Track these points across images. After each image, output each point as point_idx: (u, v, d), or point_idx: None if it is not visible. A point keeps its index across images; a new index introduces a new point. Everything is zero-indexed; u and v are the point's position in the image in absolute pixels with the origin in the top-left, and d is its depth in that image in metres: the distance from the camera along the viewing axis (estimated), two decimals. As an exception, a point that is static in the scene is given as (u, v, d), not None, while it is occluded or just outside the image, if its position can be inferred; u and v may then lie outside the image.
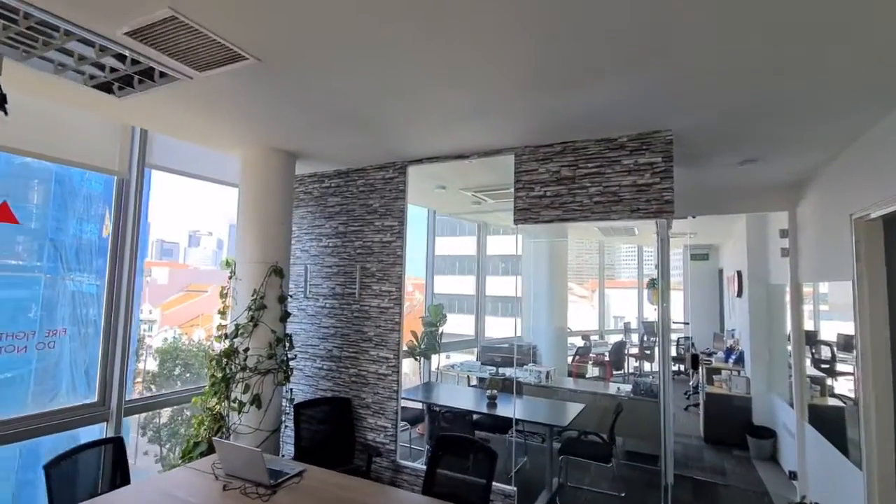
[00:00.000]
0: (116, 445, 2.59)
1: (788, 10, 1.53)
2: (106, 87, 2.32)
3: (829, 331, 3.60)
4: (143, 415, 3.87)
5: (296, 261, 3.96)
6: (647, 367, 8.74)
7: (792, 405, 4.16)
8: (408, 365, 5.98)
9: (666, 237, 3.08)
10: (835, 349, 3.39)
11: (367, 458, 3.29)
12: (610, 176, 2.80)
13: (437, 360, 5.99)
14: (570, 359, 7.48)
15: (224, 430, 3.12)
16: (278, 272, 3.25)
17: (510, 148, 3.13)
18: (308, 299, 3.87)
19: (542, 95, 2.28)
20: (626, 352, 8.51)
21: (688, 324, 8.07)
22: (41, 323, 3.25)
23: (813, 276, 3.66)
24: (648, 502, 3.87)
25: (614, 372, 8.16)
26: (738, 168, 3.43)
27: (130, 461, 2.71)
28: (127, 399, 3.05)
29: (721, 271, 9.02)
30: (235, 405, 3.06)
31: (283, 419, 3.38)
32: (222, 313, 3.23)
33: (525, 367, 5.64)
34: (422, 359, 5.77)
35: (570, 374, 6.38)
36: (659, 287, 3.27)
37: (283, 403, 3.40)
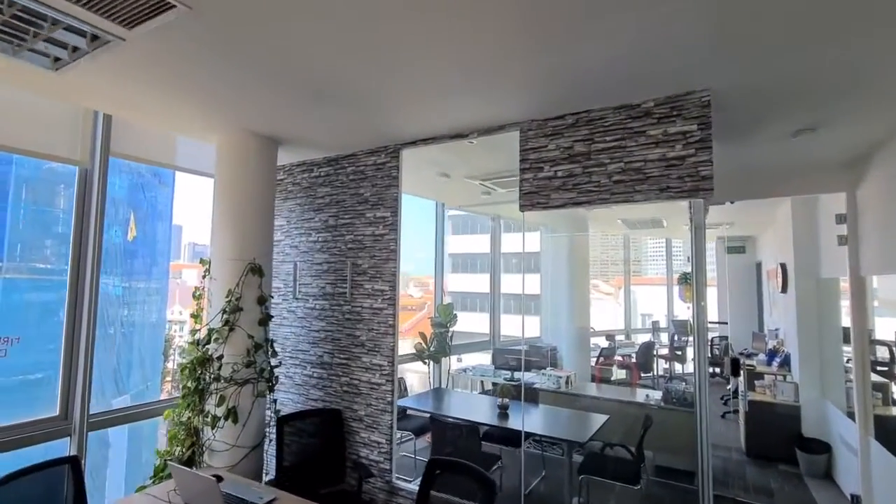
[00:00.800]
0: (72, 466, 2.29)
1: None
2: (41, 62, 2.01)
3: (886, 329, 3.07)
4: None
5: (285, 258, 3.63)
6: (678, 368, 8.13)
7: (850, 415, 3.58)
8: (417, 369, 5.62)
9: (702, 223, 2.59)
10: (895, 350, 2.85)
11: (358, 479, 2.92)
12: (633, 150, 2.34)
13: (448, 364, 5.59)
14: (593, 361, 6.97)
15: (198, 446, 2.81)
16: (256, 270, 2.91)
17: (514, 123, 2.70)
18: (298, 300, 3.53)
19: (540, 54, 1.85)
20: (654, 353, 7.91)
21: (725, 323, 7.43)
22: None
23: (880, 268, 3.10)
24: (684, 529, 3.38)
25: (642, 374, 7.61)
26: (788, 142, 2.90)
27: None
28: (94, 412, 2.77)
29: (759, 265, 8.30)
30: (209, 420, 2.74)
31: (268, 433, 3.05)
32: (195, 317, 2.91)
33: (543, 371, 5.18)
34: (431, 362, 5.39)
35: (593, 379, 5.87)
36: (693, 282, 2.78)
37: (268, 416, 3.07)
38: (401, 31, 1.73)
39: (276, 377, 3.10)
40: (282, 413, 3.11)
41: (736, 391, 5.71)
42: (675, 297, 9.68)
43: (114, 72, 2.12)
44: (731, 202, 4.01)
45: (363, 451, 3.11)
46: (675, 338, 8.63)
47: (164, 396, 3.23)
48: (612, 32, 1.71)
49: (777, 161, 3.37)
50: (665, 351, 8.49)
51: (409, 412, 4.26)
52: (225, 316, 2.81)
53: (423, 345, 5.34)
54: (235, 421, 2.78)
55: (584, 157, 2.47)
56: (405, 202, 3.19)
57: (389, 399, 3.02)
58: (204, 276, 2.94)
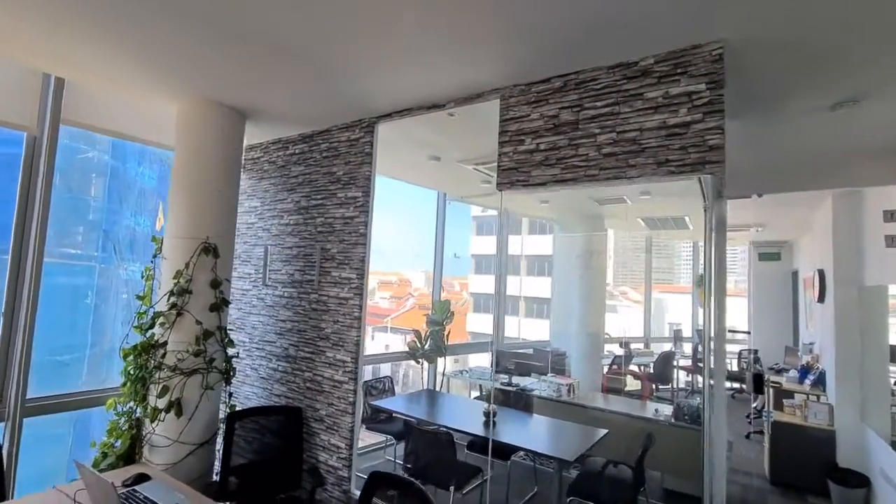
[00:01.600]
0: (-8, 455, 2.08)
1: None
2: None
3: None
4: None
5: (257, 242, 3.38)
6: (700, 381, 7.53)
7: (895, 445, 3.06)
8: (410, 368, 5.30)
9: (716, 209, 2.17)
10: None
11: (311, 488, 2.63)
12: (627, 116, 1.95)
13: (444, 364, 5.25)
14: (606, 369, 6.48)
15: (139, 440, 2.57)
16: (210, 250, 2.66)
17: (495, 90, 2.35)
18: (267, 287, 3.27)
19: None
20: (674, 364, 7.33)
21: (748, 333, 6.80)
22: (95, 309, 3.63)
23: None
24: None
25: (660, 387, 7.06)
26: (825, 118, 2.44)
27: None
28: (30, 397, 2.57)
29: (796, 273, 7.60)
30: (149, 412, 2.50)
31: (221, 430, 2.79)
32: (142, 298, 2.68)
33: (543, 377, 4.78)
34: (424, 362, 5.06)
35: (602, 389, 5.42)
36: (706, 282, 2.36)
37: (225, 411, 2.82)
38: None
39: (233, 369, 2.84)
40: (237, 408, 2.85)
41: (762, 410, 5.14)
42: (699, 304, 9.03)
43: (41, 16, 1.90)
44: (759, 195, 3.52)
45: (322, 455, 2.81)
46: (699, 348, 8.03)
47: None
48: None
49: (812, 144, 2.88)
50: (687, 362, 7.90)
51: (395, 415, 3.95)
52: (172, 299, 2.56)
53: (417, 343, 5.02)
54: (179, 414, 2.53)
55: (570, 126, 2.09)
56: (410, 193, 2.89)
57: (352, 399, 2.72)
58: (154, 256, 2.71)
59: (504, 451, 3.46)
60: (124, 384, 2.56)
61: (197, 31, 1.92)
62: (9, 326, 2.54)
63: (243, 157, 3.58)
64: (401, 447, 4.02)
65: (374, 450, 4.30)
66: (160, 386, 2.51)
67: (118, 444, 2.56)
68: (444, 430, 3.08)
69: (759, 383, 3.59)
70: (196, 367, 2.59)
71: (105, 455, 2.51)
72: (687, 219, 5.90)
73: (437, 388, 5.15)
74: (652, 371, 6.95)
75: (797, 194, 4.45)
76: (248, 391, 3.27)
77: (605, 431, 3.33)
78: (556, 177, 2.11)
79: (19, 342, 2.52)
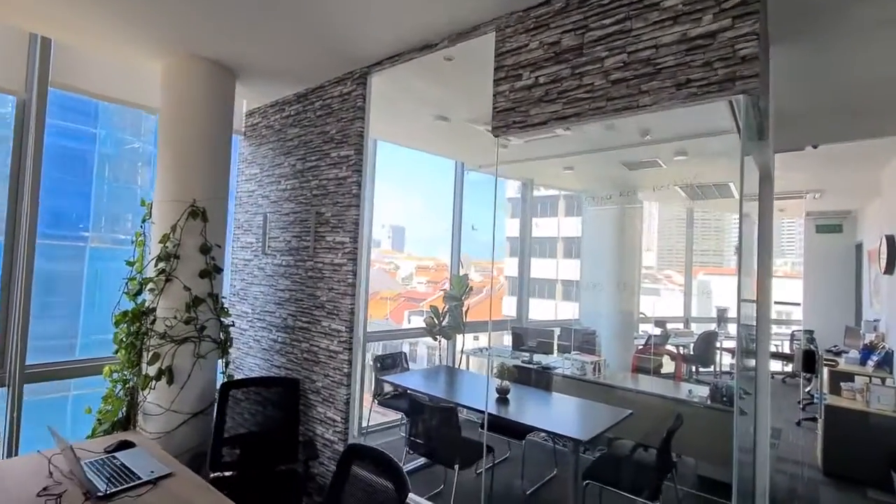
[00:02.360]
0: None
1: None
2: None
3: None
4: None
5: (257, 210, 3.27)
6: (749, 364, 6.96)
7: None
8: (435, 349, 5.14)
9: (757, 153, 1.81)
10: None
11: (304, 461, 2.51)
12: (640, 33, 1.63)
13: (462, 342, 5.05)
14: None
15: (134, 408, 2.53)
16: (198, 214, 2.54)
17: (489, 22, 2.06)
18: (267, 256, 3.15)
19: None
20: (717, 345, 6.80)
21: (798, 304, 6.19)
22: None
23: None
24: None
25: (701, 369, 6.57)
26: (881, 36, 1.99)
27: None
28: (29, 363, 2.57)
29: (860, 247, 6.84)
30: (140, 380, 2.44)
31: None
32: (132, 264, 2.61)
33: (566, 355, 4.48)
34: (442, 339, 4.87)
35: (632, 369, 5.05)
36: (740, 244, 2.03)
37: (222, 381, 2.74)
38: None
39: (230, 339, 2.75)
40: (235, 378, 2.77)
41: (815, 395, 4.63)
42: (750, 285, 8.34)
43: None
44: (815, 146, 3.05)
45: (319, 428, 2.68)
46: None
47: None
48: None
49: (886, 73, 2.40)
50: (732, 344, 7.32)
51: (407, 391, 3.80)
52: (160, 264, 2.47)
53: (434, 319, 4.84)
54: (170, 382, 2.46)
55: (574, 53, 1.79)
56: (445, 174, 2.68)
57: (346, 370, 2.56)
58: (143, 221, 2.63)
59: (519, 431, 3.24)
60: (116, 351, 2.51)
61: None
62: (6, 296, 2.53)
63: (243, 125, 3.47)
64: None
65: (388, 427, 4.18)
66: (151, 353, 2.44)
67: (116, 410, 2.52)
68: (448, 405, 2.88)
69: (810, 362, 3.14)
70: (187, 335, 2.51)
71: (101, 422, 2.48)
72: (732, 185, 5.35)
73: (457, 366, 4.96)
74: (692, 352, 6.47)
75: (862, 149, 3.89)
76: (251, 362, 3.20)
77: (629, 412, 3.03)
78: (556, 113, 1.81)
79: (17, 311, 2.51)
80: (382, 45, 2.37)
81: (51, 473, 1.79)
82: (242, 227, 3.37)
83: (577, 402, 3.39)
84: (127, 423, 2.52)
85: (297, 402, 2.73)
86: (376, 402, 3.92)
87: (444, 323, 4.89)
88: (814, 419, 4.65)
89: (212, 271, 2.59)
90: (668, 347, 6.33)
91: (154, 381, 2.43)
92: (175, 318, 2.44)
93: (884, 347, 4.18)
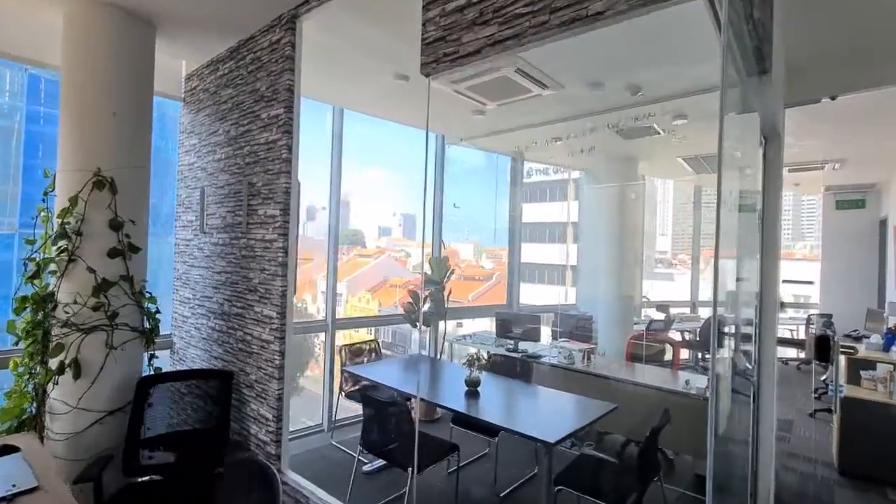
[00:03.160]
0: None
1: None
2: None
3: None
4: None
5: (197, 184, 2.93)
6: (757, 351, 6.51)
7: None
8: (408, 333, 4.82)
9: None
10: None
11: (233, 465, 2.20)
12: (590, -82, 1.22)
13: (444, 328, 4.71)
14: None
15: (42, 405, 2.24)
16: (105, 184, 2.21)
17: (420, -68, 1.66)
18: (205, 234, 2.83)
19: None
20: (727, 330, 6.35)
21: (811, 283, 5.73)
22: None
23: None
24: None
25: (706, 356, 6.15)
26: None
27: None
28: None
29: (884, 222, 6.30)
30: (40, 375, 2.15)
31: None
32: (31, 243, 2.29)
33: (554, 343, 4.12)
34: (421, 326, 4.54)
35: (626, 357, 4.66)
36: (718, 209, 1.63)
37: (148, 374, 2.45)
38: None
39: (157, 328, 2.45)
40: (165, 371, 2.46)
41: (830, 384, 4.20)
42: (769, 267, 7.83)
43: None
44: (832, 97, 2.59)
45: (253, 427, 2.37)
46: (756, 312, 6.95)
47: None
48: None
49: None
50: (746, 330, 6.87)
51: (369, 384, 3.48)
52: (61, 242, 2.16)
53: (413, 304, 4.50)
54: (77, 376, 2.16)
55: (511, -43, 1.39)
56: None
57: (278, 362, 2.23)
58: (45, 194, 2.31)
59: (491, 428, 2.89)
60: (16, 342, 2.22)
61: None
62: None
63: (183, 90, 3.12)
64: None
65: (356, 422, 3.87)
66: (54, 343, 2.14)
67: (16, 409, 2.24)
68: (401, 399, 2.55)
69: (823, 349, 2.71)
70: (96, 324, 2.20)
71: (2, 421, 2.20)
72: (738, 154, 4.85)
73: (439, 354, 4.63)
74: (697, 338, 6.05)
75: (889, 108, 3.40)
76: (193, 353, 2.90)
77: (613, 407, 2.66)
78: (492, 38, 1.42)
79: None
80: (305, -22, 1.98)
81: None
82: (184, 203, 3.05)
83: (557, 394, 3.03)
84: (34, 422, 2.24)
85: (228, 398, 2.42)
86: (342, 394, 3.61)
87: (425, 309, 4.55)
88: (829, 410, 4.23)
89: (125, 250, 2.27)
90: (671, 333, 5.92)
91: (57, 376, 2.13)
92: (76, 303, 2.13)
93: (910, 331, 3.73)
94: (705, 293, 8.37)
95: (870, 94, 2.66)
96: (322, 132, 3.99)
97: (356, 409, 3.85)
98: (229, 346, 2.57)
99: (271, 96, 2.33)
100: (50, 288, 2.21)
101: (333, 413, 3.77)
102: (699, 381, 3.28)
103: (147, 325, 2.42)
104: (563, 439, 2.22)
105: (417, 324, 4.52)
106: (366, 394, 2.64)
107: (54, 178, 2.30)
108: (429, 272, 4.61)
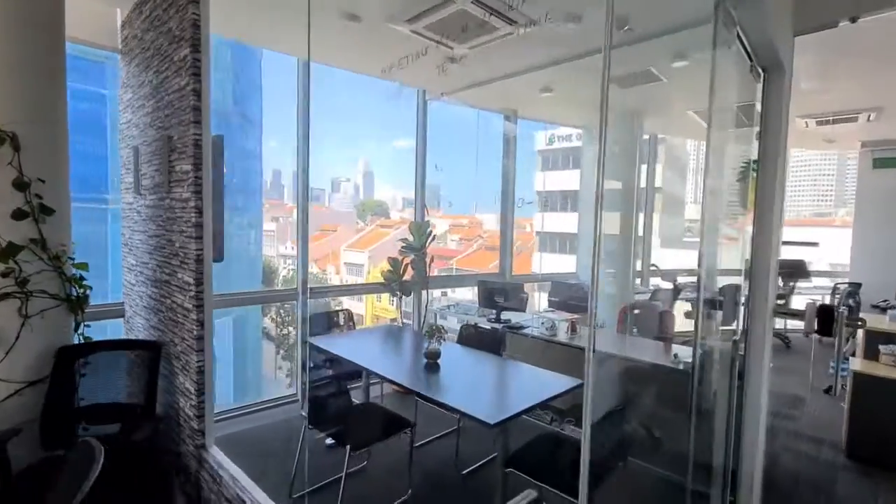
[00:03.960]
0: None
1: None
2: None
3: None
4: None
5: (132, 142, 2.72)
6: (778, 323, 6.08)
7: None
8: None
9: None
10: None
11: (150, 434, 2.06)
12: None
13: (428, 297, 4.49)
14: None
15: (-41, 375, 2.14)
16: (3, 140, 2.02)
17: None
18: (140, 196, 2.63)
19: None
20: (740, 300, 5.92)
21: (816, 245, 5.23)
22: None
23: None
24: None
25: (721, 328, 5.75)
26: None
27: None
28: None
29: (926, 181, 5.64)
30: (-52, 342, 2.03)
31: (78, 367, 2.29)
32: (-67, 205, 2.13)
33: (536, 313, 3.84)
34: (401, 296, 4.32)
35: (618, 329, 4.35)
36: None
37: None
38: None
39: (85, 297, 2.29)
40: (80, 343, 2.32)
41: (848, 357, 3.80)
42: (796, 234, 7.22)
43: None
44: (853, 20, 2.13)
45: (181, 400, 2.22)
46: (781, 283, 6.47)
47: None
48: None
49: None
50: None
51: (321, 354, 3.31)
52: (-42, 203, 1.99)
53: (392, 272, 4.27)
54: (-12, 347, 2.03)
55: None
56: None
57: (198, 332, 2.05)
58: (-54, 151, 2.13)
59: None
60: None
61: None
62: None
63: (119, 41, 2.88)
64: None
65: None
66: (-39, 311, 2.01)
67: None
68: (341, 372, 2.35)
69: (826, 320, 2.32)
70: (8, 290, 2.05)
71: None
72: (758, 104, 4.31)
73: (422, 324, 4.42)
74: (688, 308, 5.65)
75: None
76: (139, 323, 2.76)
77: (578, 383, 2.40)
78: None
79: None
80: None
81: None
82: (125, 165, 2.86)
83: (524, 368, 2.78)
84: (-45, 393, 2.14)
85: (156, 371, 2.27)
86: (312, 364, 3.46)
87: (405, 277, 4.32)
88: (843, 387, 3.85)
89: (35, 211, 2.09)
90: (679, 303, 5.54)
91: (-35, 346, 2.01)
92: (-12, 269, 1.98)
93: (943, 301, 3.28)
94: (725, 261, 7.87)
95: (903, 15, 2.19)
96: (328, 99, 3.76)
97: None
98: (162, 315, 2.41)
99: (180, 34, 2.05)
100: (-45, 253, 2.06)
101: (305, 384, 3.65)
102: (688, 356, 2.97)
103: (75, 292, 2.28)
104: (507, 420, 1.98)
105: (397, 293, 4.31)
106: (312, 366, 2.45)
107: (-45, 135, 2.11)
108: (410, 239, 4.35)
